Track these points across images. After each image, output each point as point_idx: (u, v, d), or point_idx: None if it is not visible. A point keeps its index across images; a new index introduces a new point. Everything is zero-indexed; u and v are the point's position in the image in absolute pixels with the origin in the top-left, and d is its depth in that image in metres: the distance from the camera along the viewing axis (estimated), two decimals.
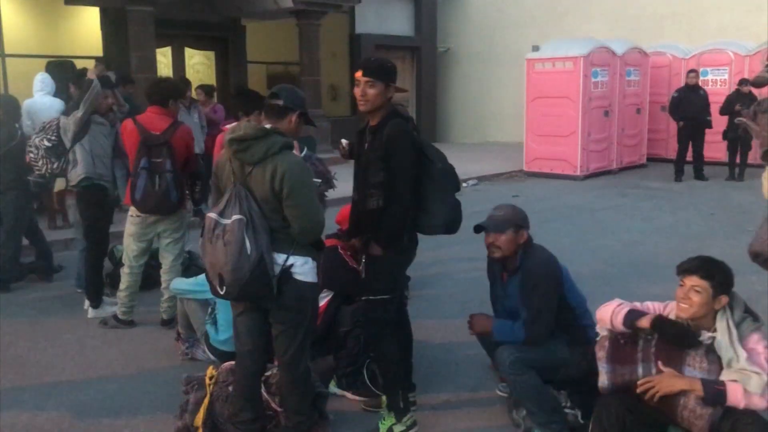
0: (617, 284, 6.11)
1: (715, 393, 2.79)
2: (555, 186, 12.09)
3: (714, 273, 2.93)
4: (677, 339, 2.94)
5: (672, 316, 3.07)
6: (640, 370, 3.00)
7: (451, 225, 3.51)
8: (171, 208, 5.15)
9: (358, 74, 3.40)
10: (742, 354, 2.84)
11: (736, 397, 2.78)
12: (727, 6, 14.94)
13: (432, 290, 5.63)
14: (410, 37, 18.32)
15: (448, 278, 6.14)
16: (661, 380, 2.88)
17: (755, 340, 2.89)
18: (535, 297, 3.49)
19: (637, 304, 3.18)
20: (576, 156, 12.74)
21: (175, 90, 5.33)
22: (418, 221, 3.47)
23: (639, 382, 2.92)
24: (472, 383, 4.22)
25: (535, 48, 13.53)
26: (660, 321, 2.96)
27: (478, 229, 3.65)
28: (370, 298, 3.52)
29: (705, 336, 2.95)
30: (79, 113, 5.30)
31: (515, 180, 13.04)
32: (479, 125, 19.31)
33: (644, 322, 2.98)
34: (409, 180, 3.36)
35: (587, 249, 7.51)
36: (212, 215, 3.12)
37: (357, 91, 3.42)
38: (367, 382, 4.08)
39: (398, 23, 18.05)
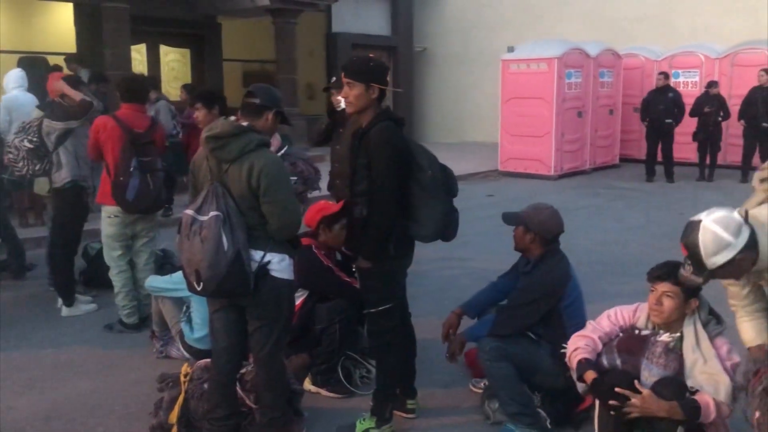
0: (590, 283, 6.17)
1: (693, 413, 2.80)
2: (529, 186, 12.21)
3: None
4: (609, 404, 2.94)
5: (642, 319, 3.15)
6: (604, 361, 3.07)
7: (441, 235, 3.43)
8: (161, 206, 5.17)
9: (342, 75, 3.38)
10: (711, 356, 2.90)
11: (708, 411, 2.80)
12: (698, 9, 15.20)
13: (408, 287, 5.66)
14: (387, 37, 18.36)
15: (423, 276, 6.20)
16: (643, 402, 2.85)
17: (719, 345, 2.96)
18: (524, 295, 3.64)
19: (608, 316, 3.23)
20: (550, 156, 12.88)
21: (149, 87, 5.32)
22: (407, 229, 3.39)
23: (623, 405, 2.89)
24: (446, 380, 4.26)
25: (510, 49, 13.66)
26: (596, 385, 2.99)
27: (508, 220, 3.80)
28: (371, 311, 3.50)
29: (665, 337, 3.02)
30: (73, 125, 5.28)
31: (490, 180, 13.14)
32: (455, 125, 19.40)
33: (588, 377, 3.01)
34: (392, 189, 3.27)
35: (561, 248, 7.59)
36: (189, 212, 3.13)
37: (341, 93, 3.42)
38: (342, 379, 4.12)
39: (375, 22, 18.07)
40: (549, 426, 3.59)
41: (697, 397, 2.83)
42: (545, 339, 3.61)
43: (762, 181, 2.71)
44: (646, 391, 2.85)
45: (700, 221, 2.52)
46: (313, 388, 4.13)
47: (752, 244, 2.48)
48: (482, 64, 17.88)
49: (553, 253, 3.72)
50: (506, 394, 3.55)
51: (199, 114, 4.91)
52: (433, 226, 3.37)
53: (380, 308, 3.44)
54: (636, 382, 2.89)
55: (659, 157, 12.39)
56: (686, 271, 2.60)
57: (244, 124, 3.18)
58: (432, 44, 19.77)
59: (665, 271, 3.02)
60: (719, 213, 2.52)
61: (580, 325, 3.51)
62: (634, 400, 2.84)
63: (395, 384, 3.68)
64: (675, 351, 2.97)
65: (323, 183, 5.54)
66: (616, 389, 2.87)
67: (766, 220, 2.53)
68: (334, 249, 4.31)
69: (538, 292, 3.64)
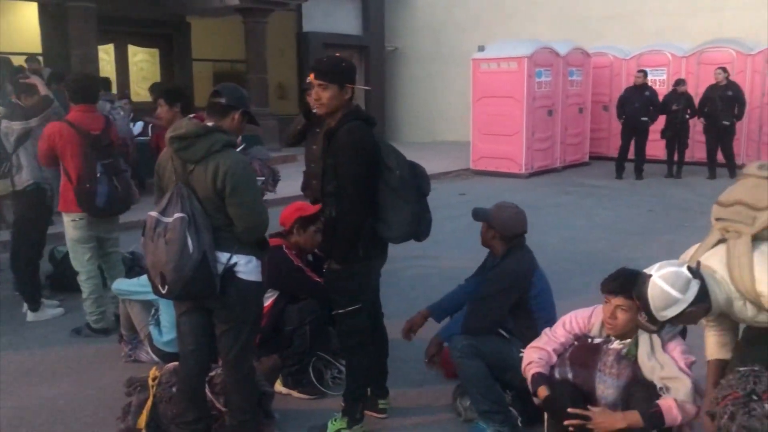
0: (559, 280, 6.24)
1: (653, 419, 2.82)
2: (500, 184, 12.27)
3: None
4: (560, 421, 2.98)
5: (597, 326, 3.17)
6: (557, 375, 3.11)
7: (410, 236, 3.41)
8: (129, 206, 5.10)
9: (311, 76, 3.33)
10: (666, 361, 2.92)
11: (671, 414, 2.81)
12: (665, 9, 15.40)
13: (380, 286, 5.66)
14: (358, 36, 18.35)
15: (394, 275, 6.20)
16: (599, 418, 2.88)
17: (672, 347, 2.98)
18: (491, 286, 3.67)
19: (563, 324, 3.25)
20: (521, 154, 12.96)
21: (100, 87, 5.22)
22: (377, 230, 3.36)
23: (572, 423, 2.93)
24: (418, 379, 4.27)
25: (481, 48, 13.72)
26: (548, 402, 3.03)
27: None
28: (340, 312, 3.47)
29: (616, 344, 3.04)
30: (32, 123, 5.17)
31: (462, 178, 13.19)
32: (427, 124, 19.45)
33: (540, 393, 3.06)
34: (358, 191, 3.24)
35: (531, 245, 7.61)
36: (153, 214, 3.08)
37: (312, 94, 3.37)
38: (313, 380, 4.10)
39: (346, 22, 18.05)
40: (520, 424, 3.61)
41: (658, 402, 2.85)
42: (516, 335, 3.63)
43: (717, 219, 2.72)
44: (597, 409, 2.90)
45: (650, 276, 2.56)
46: (284, 390, 4.10)
47: (702, 296, 2.52)
48: (453, 64, 17.95)
49: (517, 249, 3.75)
50: (478, 392, 3.56)
51: (161, 110, 4.84)
52: (401, 228, 3.35)
53: (349, 309, 3.43)
54: (590, 406, 2.93)
55: (630, 155, 12.53)
56: (642, 318, 2.65)
57: (210, 124, 3.14)
58: (403, 44, 19.79)
59: (618, 285, 3.02)
60: (668, 269, 2.55)
61: (550, 319, 3.57)
62: (593, 416, 2.87)
63: (366, 384, 3.67)
64: (627, 358, 2.99)
65: (298, 183, 5.50)
66: (569, 410, 2.90)
67: (718, 268, 2.57)
68: (306, 251, 4.28)
69: (506, 282, 3.65)
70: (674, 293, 2.49)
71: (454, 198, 10.79)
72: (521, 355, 3.31)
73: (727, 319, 2.87)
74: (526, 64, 12.57)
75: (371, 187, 3.30)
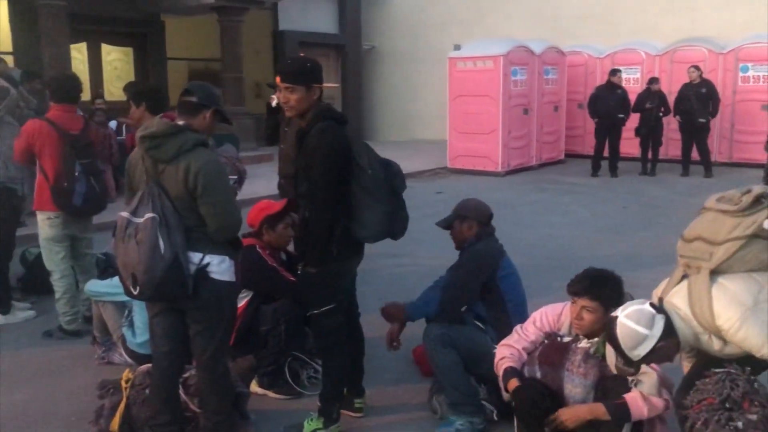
0: (536, 277, 6.29)
1: (618, 410, 2.87)
2: (477, 182, 12.32)
3: (602, 292, 3.03)
4: (528, 414, 3.04)
5: (566, 323, 3.20)
6: (526, 374, 3.14)
7: (384, 235, 3.40)
8: (105, 206, 5.10)
9: (278, 80, 3.30)
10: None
11: (637, 405, 2.85)
12: (639, 8, 15.55)
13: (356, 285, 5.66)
14: (335, 35, 18.29)
15: (371, 274, 6.18)
16: (565, 413, 2.94)
17: None
18: (460, 269, 3.75)
19: (533, 321, 3.28)
20: (497, 153, 13.02)
21: (81, 87, 5.19)
22: (351, 230, 3.35)
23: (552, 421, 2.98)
24: (394, 377, 4.26)
25: (457, 47, 13.75)
26: (516, 392, 3.07)
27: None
28: (314, 312, 3.46)
29: (584, 343, 3.07)
30: None
31: (439, 177, 13.22)
32: (405, 123, 19.46)
33: (510, 386, 3.09)
34: (329, 192, 3.23)
35: (508, 243, 7.55)
36: (124, 214, 3.06)
37: (280, 97, 3.34)
38: (289, 380, 4.08)
39: (322, 20, 17.99)
40: (495, 418, 3.63)
41: (627, 398, 2.88)
42: (489, 323, 3.66)
43: (681, 256, 2.77)
44: (562, 411, 2.95)
45: (616, 317, 2.61)
46: (259, 390, 4.08)
47: (669, 330, 2.57)
48: (430, 62, 17.97)
49: (486, 235, 3.84)
50: (449, 383, 3.59)
51: (131, 111, 4.81)
52: (375, 227, 3.33)
53: (323, 309, 3.41)
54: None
55: (606, 153, 12.64)
56: (619, 363, 2.67)
57: (181, 123, 3.11)
58: (380, 42, 19.78)
59: (584, 286, 3.05)
60: (632, 308, 2.61)
61: (520, 303, 3.67)
62: (559, 412, 2.94)
63: (343, 384, 3.66)
64: (595, 357, 3.02)
65: (273, 183, 5.49)
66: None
67: (681, 306, 2.62)
68: (279, 249, 4.26)
69: (474, 263, 3.74)
70: (641, 330, 2.55)
71: (432, 197, 10.80)
72: (494, 349, 3.32)
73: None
74: (501, 62, 12.62)
75: (344, 187, 3.28)
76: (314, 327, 3.62)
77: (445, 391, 3.64)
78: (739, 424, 2.58)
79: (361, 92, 19.39)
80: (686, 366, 3.05)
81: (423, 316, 3.82)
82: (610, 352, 2.89)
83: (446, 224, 3.94)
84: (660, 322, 2.56)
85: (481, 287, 3.71)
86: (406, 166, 15.05)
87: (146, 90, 4.94)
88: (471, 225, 3.84)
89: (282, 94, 3.30)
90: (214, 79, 14.86)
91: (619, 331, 2.57)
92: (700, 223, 2.77)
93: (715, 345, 2.61)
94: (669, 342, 2.58)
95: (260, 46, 16.66)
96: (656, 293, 2.85)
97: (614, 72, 12.54)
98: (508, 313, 3.63)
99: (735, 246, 2.58)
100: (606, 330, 2.67)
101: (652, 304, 2.64)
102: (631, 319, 2.57)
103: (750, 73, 13.04)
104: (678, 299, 2.65)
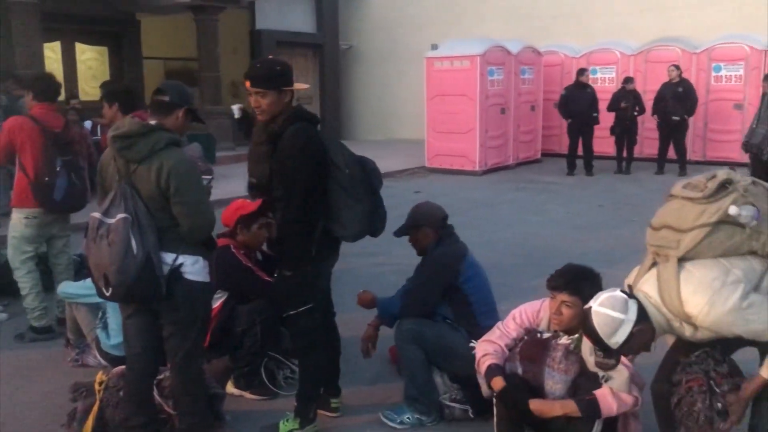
0: (512, 275, 6.35)
1: (588, 406, 2.89)
2: (455, 181, 12.36)
3: (582, 287, 3.05)
4: (515, 412, 3.07)
5: (545, 320, 3.22)
6: (507, 370, 3.15)
7: (364, 233, 3.40)
8: (85, 204, 5.05)
9: (247, 84, 3.26)
10: None
11: (606, 402, 2.88)
12: (614, 8, 15.69)
13: (332, 285, 5.64)
14: (312, 34, 18.26)
15: (349, 273, 6.18)
16: (536, 403, 2.97)
17: None
18: (420, 275, 3.74)
19: (513, 318, 3.30)
20: (475, 152, 13.07)
21: (60, 85, 5.17)
22: (330, 230, 3.34)
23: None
24: (370, 376, 4.27)
25: (434, 47, 13.78)
26: (504, 393, 3.07)
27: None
28: (291, 313, 3.44)
29: (564, 340, 3.10)
30: None
31: (417, 176, 13.24)
32: (383, 122, 19.47)
33: (496, 383, 3.09)
34: (307, 195, 3.21)
35: (485, 241, 7.72)
36: (96, 214, 3.03)
37: (251, 101, 3.31)
38: (265, 381, 4.07)
39: (300, 20, 17.94)
40: (471, 416, 3.66)
41: (597, 394, 2.90)
42: (457, 323, 3.68)
43: (650, 245, 2.78)
44: (533, 401, 2.98)
45: (590, 308, 2.61)
46: (235, 391, 4.06)
47: (644, 315, 2.58)
48: (408, 62, 18.00)
49: (446, 237, 3.81)
50: (410, 378, 3.66)
51: (105, 110, 4.83)
52: (355, 226, 3.34)
53: (300, 309, 3.40)
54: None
55: (579, 151, 12.74)
56: (599, 357, 2.67)
57: (153, 122, 3.08)
58: (358, 42, 19.78)
59: (563, 281, 3.08)
60: (604, 295, 2.62)
61: (486, 303, 3.67)
62: (531, 405, 2.96)
63: (319, 384, 3.66)
64: (575, 353, 3.05)
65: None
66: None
67: (652, 293, 2.63)
68: (253, 249, 4.24)
69: (434, 268, 3.74)
70: (617, 315, 2.55)
71: (410, 196, 10.79)
72: (472, 345, 3.34)
73: None
74: (478, 62, 12.67)
75: (321, 187, 3.28)
76: (291, 327, 3.61)
77: (405, 384, 3.71)
78: (719, 405, 2.67)
79: (339, 92, 19.38)
80: (670, 340, 3.05)
81: (389, 317, 3.85)
82: (586, 349, 2.92)
83: (401, 234, 3.88)
84: (633, 306, 2.57)
85: (444, 291, 3.71)
86: (385, 165, 15.03)
87: (119, 89, 4.92)
88: (426, 232, 3.80)
89: (253, 99, 3.27)
90: (191, 78, 14.78)
91: (595, 320, 2.56)
92: (667, 210, 2.76)
93: (687, 331, 2.62)
94: (645, 326, 2.57)
95: (237, 45, 16.59)
96: (627, 281, 2.87)
97: (582, 71, 12.66)
98: (474, 314, 3.64)
99: (701, 233, 2.58)
100: (582, 323, 2.67)
101: (623, 291, 2.65)
102: (605, 306, 2.57)
103: (723, 72, 13.22)
104: (648, 287, 2.66)
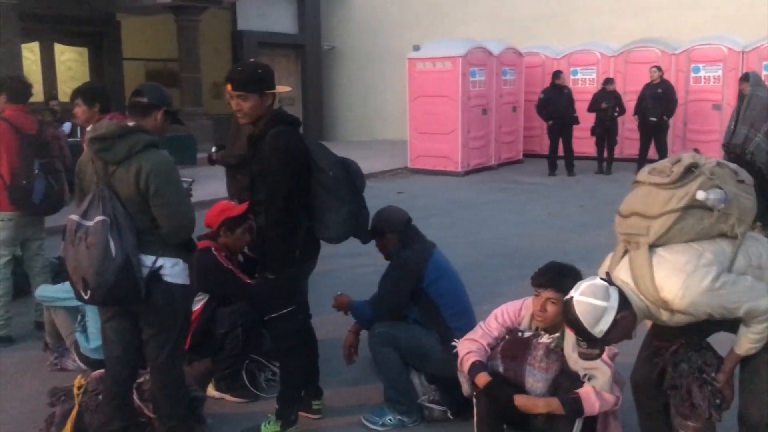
0: (492, 274, 6.38)
1: (572, 404, 2.91)
2: (438, 182, 12.39)
3: (566, 283, 3.03)
4: (501, 408, 3.09)
5: (527, 318, 3.25)
6: (489, 368, 3.16)
7: (348, 235, 3.40)
8: (62, 206, 5.01)
9: (228, 87, 3.25)
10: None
11: (590, 400, 2.90)
12: (594, 10, 15.81)
13: (313, 287, 5.63)
14: (294, 35, 18.22)
15: (331, 275, 6.18)
16: (520, 399, 2.98)
17: None
18: (386, 281, 3.74)
19: (495, 317, 3.32)
20: (457, 153, 13.11)
21: (32, 87, 5.14)
22: (314, 231, 3.34)
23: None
24: (352, 378, 4.26)
25: (416, 48, 13.81)
26: (489, 388, 3.08)
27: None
28: (273, 315, 3.44)
29: (545, 338, 3.12)
30: None
31: (400, 177, 13.26)
32: (365, 123, 19.47)
33: (481, 379, 3.09)
34: (288, 196, 3.21)
35: (467, 242, 7.76)
36: (74, 217, 3.00)
37: (232, 104, 3.30)
38: (247, 383, 4.05)
39: (281, 21, 17.90)
40: (451, 417, 3.67)
41: (580, 392, 2.92)
42: (430, 325, 3.69)
43: (620, 233, 2.76)
44: (518, 396, 2.99)
45: (571, 298, 2.58)
46: (216, 394, 4.04)
47: (625, 302, 2.56)
48: (390, 63, 18.01)
49: (411, 240, 3.78)
50: (387, 380, 3.67)
51: (78, 110, 4.76)
52: (339, 228, 3.34)
53: (282, 312, 3.39)
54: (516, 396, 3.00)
55: (560, 152, 12.82)
56: (582, 347, 2.63)
57: (131, 124, 3.06)
58: (340, 42, 19.76)
59: (548, 278, 3.11)
60: (584, 284, 2.59)
61: (455, 304, 3.66)
62: (515, 400, 2.97)
63: (301, 386, 3.66)
64: (556, 352, 3.07)
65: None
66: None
67: (627, 280, 2.62)
68: (235, 252, 4.21)
69: (397, 274, 3.73)
70: (599, 302, 2.52)
71: (393, 197, 10.80)
72: (455, 344, 3.35)
73: None
74: (460, 63, 12.72)
75: (304, 189, 3.28)
76: (272, 330, 3.60)
77: (384, 387, 3.72)
78: (717, 399, 2.75)
79: (322, 92, 19.35)
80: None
81: (364, 321, 3.86)
82: (568, 346, 2.93)
83: (367, 240, 3.83)
84: (615, 293, 2.54)
85: (410, 294, 3.71)
86: (367, 166, 15.01)
87: (100, 90, 4.89)
88: (389, 238, 3.79)
89: (235, 102, 3.26)
90: (172, 79, 14.69)
91: (578, 309, 2.53)
92: (635, 197, 2.74)
93: (663, 316, 2.62)
94: (627, 313, 2.56)
95: (219, 46, 16.51)
96: (601, 270, 2.84)
97: (557, 74, 12.75)
98: (442, 316, 3.63)
99: (671, 219, 2.57)
100: (564, 314, 2.63)
101: (602, 278, 2.64)
102: (587, 295, 2.54)
103: (702, 73, 13.36)
104: (624, 274, 2.65)
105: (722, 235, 2.62)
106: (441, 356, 3.58)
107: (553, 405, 2.94)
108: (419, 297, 3.68)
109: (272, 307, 3.43)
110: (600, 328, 2.51)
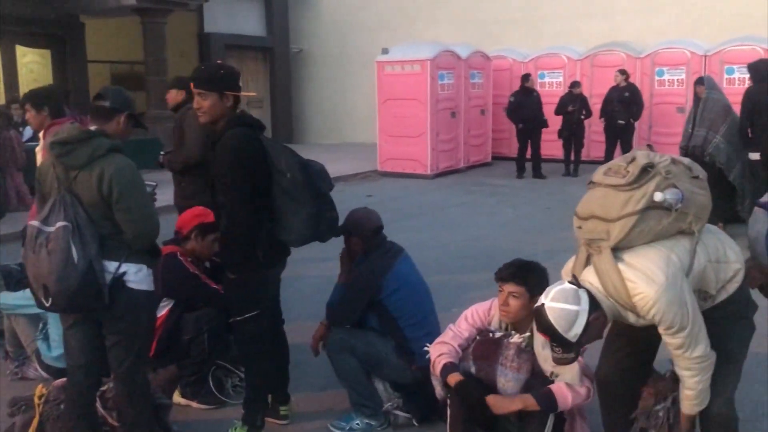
0: (461, 276, 6.41)
1: (546, 400, 2.94)
2: (407, 185, 12.41)
3: (528, 277, 3.11)
4: (472, 409, 3.08)
5: (496, 318, 3.27)
6: (459, 369, 3.17)
7: (310, 238, 3.38)
8: (3, 214, 4.89)
9: (192, 85, 3.28)
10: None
11: (562, 394, 2.93)
12: (561, 13, 15.98)
13: (282, 291, 5.59)
14: (262, 38, 18.12)
15: (296, 279, 6.14)
16: (493, 399, 2.99)
17: None
18: (344, 289, 3.78)
19: (465, 318, 3.33)
20: (426, 156, 13.15)
21: None
22: (276, 234, 3.33)
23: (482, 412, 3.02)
24: (320, 383, 4.24)
25: (385, 51, 13.82)
26: (461, 387, 3.08)
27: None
28: (237, 319, 3.42)
29: (516, 338, 3.14)
30: None
31: (370, 180, 13.26)
32: (335, 126, 19.43)
33: (452, 379, 3.10)
34: (245, 199, 3.21)
35: (436, 244, 7.78)
36: (34, 223, 2.94)
37: (194, 102, 3.31)
38: (213, 389, 4.01)
39: (249, 23, 17.79)
40: (416, 423, 3.69)
41: (553, 387, 2.95)
42: (387, 334, 3.69)
43: (581, 237, 2.73)
44: (490, 397, 2.99)
45: (542, 305, 2.56)
46: (182, 401, 3.99)
47: (595, 303, 2.56)
48: (359, 66, 18.01)
49: (375, 249, 3.77)
50: (349, 385, 3.68)
51: (29, 116, 4.67)
52: (300, 231, 3.32)
53: (246, 315, 3.37)
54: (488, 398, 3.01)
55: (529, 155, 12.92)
56: (557, 353, 2.60)
57: (93, 128, 3.02)
58: (309, 45, 19.70)
59: (510, 272, 3.13)
60: (553, 290, 2.57)
61: (413, 315, 3.66)
62: (490, 402, 2.97)
63: (267, 391, 3.64)
64: (527, 351, 3.09)
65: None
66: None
67: (594, 282, 2.61)
68: (202, 259, 4.16)
69: (355, 285, 3.74)
70: (571, 307, 2.50)
71: (362, 200, 10.81)
72: (427, 349, 3.35)
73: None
74: (429, 66, 12.76)
75: (265, 191, 3.26)
76: (236, 333, 3.57)
77: (348, 392, 3.72)
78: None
79: (290, 95, 19.27)
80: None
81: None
82: (538, 343, 2.93)
83: (337, 235, 3.75)
84: (584, 296, 2.53)
85: (368, 304, 3.70)
86: (337, 169, 14.87)
87: (48, 94, 4.78)
88: (355, 241, 3.78)
89: (195, 100, 3.29)
90: (138, 82, 14.50)
91: (551, 316, 2.50)
92: (591, 199, 2.70)
93: (631, 317, 2.63)
94: (598, 314, 2.55)
95: (185, 48, 16.34)
96: (564, 272, 2.84)
97: (526, 77, 12.87)
98: (399, 326, 3.63)
99: (630, 222, 2.54)
100: (536, 322, 2.61)
101: (569, 282, 2.63)
102: (558, 301, 2.52)
103: (666, 76, 13.59)
104: (591, 277, 2.64)
105: (680, 232, 2.63)
106: (396, 363, 3.61)
107: (529, 401, 2.95)
108: (377, 307, 3.67)
109: (237, 310, 3.42)
110: (574, 332, 2.50)
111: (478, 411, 3.05)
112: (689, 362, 2.60)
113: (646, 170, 2.59)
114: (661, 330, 2.58)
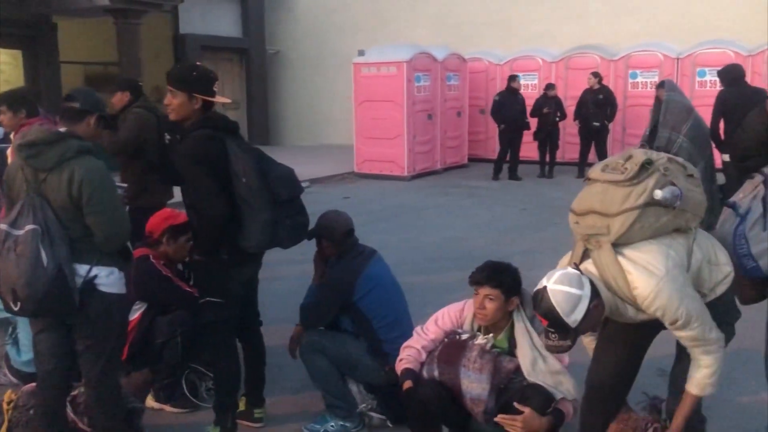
0: (436, 278, 6.43)
1: (560, 419, 3.04)
2: (384, 187, 12.42)
3: (502, 280, 3.13)
4: (419, 415, 3.16)
5: (469, 318, 3.29)
6: (425, 373, 3.22)
7: (268, 244, 3.36)
8: None
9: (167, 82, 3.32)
10: (548, 353, 3.02)
11: (569, 412, 3.05)
12: (536, 16, 16.10)
13: (259, 293, 5.57)
14: (238, 39, 18.02)
15: (273, 281, 6.11)
16: (525, 421, 2.95)
17: None
18: (317, 292, 3.83)
19: (435, 320, 3.36)
20: (403, 157, 13.17)
21: None
22: (237, 240, 3.31)
23: (501, 418, 3.00)
24: (295, 386, 4.23)
25: (361, 53, 13.82)
26: (408, 394, 3.16)
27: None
28: (200, 300, 3.45)
29: (480, 340, 3.17)
30: None
31: (347, 182, 13.24)
32: (312, 128, 19.38)
33: (404, 387, 3.19)
34: (210, 193, 3.20)
35: (412, 246, 7.80)
36: (2, 226, 2.90)
37: (166, 99, 3.33)
38: (187, 393, 3.98)
39: (225, 24, 17.68)
40: (390, 425, 3.71)
41: (560, 405, 3.04)
42: (360, 336, 3.71)
43: (578, 232, 2.75)
44: (527, 411, 2.96)
45: (545, 287, 2.53)
46: (156, 405, 3.96)
47: (596, 291, 2.56)
48: (336, 67, 17.98)
49: (347, 252, 3.77)
50: (322, 387, 3.71)
51: (4, 117, 4.63)
52: (256, 237, 3.28)
53: (209, 299, 3.39)
54: (516, 403, 2.99)
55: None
56: (552, 340, 2.56)
57: (63, 129, 2.98)
58: (285, 47, 19.63)
59: (485, 275, 3.15)
60: (557, 273, 2.56)
61: (386, 316, 3.68)
62: (519, 419, 2.94)
63: (235, 392, 3.62)
64: (491, 352, 3.12)
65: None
66: (498, 418, 2.98)
67: (596, 274, 2.62)
68: (175, 261, 4.12)
69: (327, 288, 3.77)
70: (574, 290, 2.48)
71: (339, 202, 10.79)
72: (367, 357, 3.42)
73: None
74: (405, 68, 12.78)
75: (226, 194, 3.25)
76: (206, 336, 3.60)
77: (322, 394, 3.74)
78: None
79: (267, 97, 19.18)
80: (589, 342, 3.12)
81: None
82: (526, 360, 3.01)
83: (310, 238, 3.76)
84: (587, 282, 2.52)
85: (341, 307, 3.72)
86: (313, 171, 14.84)
87: (26, 96, 4.75)
88: (327, 244, 3.78)
89: (167, 96, 3.31)
90: (112, 82, 14.31)
91: (554, 299, 2.47)
92: (590, 195, 2.71)
93: (630, 312, 2.64)
94: (598, 302, 2.55)
95: (160, 49, 16.19)
96: (561, 265, 2.82)
97: (513, 78, 12.92)
98: (373, 328, 3.65)
99: (631, 217, 2.56)
100: (535, 305, 2.57)
101: (573, 267, 2.61)
102: (562, 284, 2.50)
103: (639, 79, 13.76)
104: (593, 268, 2.64)
105: (677, 230, 2.68)
106: (370, 364, 3.64)
107: (550, 424, 3.01)
108: (350, 309, 3.69)
109: (202, 291, 3.46)
110: (575, 317, 2.48)
111: (447, 412, 3.11)
112: (708, 347, 2.60)
113: (645, 167, 2.62)
114: (668, 326, 2.60)
